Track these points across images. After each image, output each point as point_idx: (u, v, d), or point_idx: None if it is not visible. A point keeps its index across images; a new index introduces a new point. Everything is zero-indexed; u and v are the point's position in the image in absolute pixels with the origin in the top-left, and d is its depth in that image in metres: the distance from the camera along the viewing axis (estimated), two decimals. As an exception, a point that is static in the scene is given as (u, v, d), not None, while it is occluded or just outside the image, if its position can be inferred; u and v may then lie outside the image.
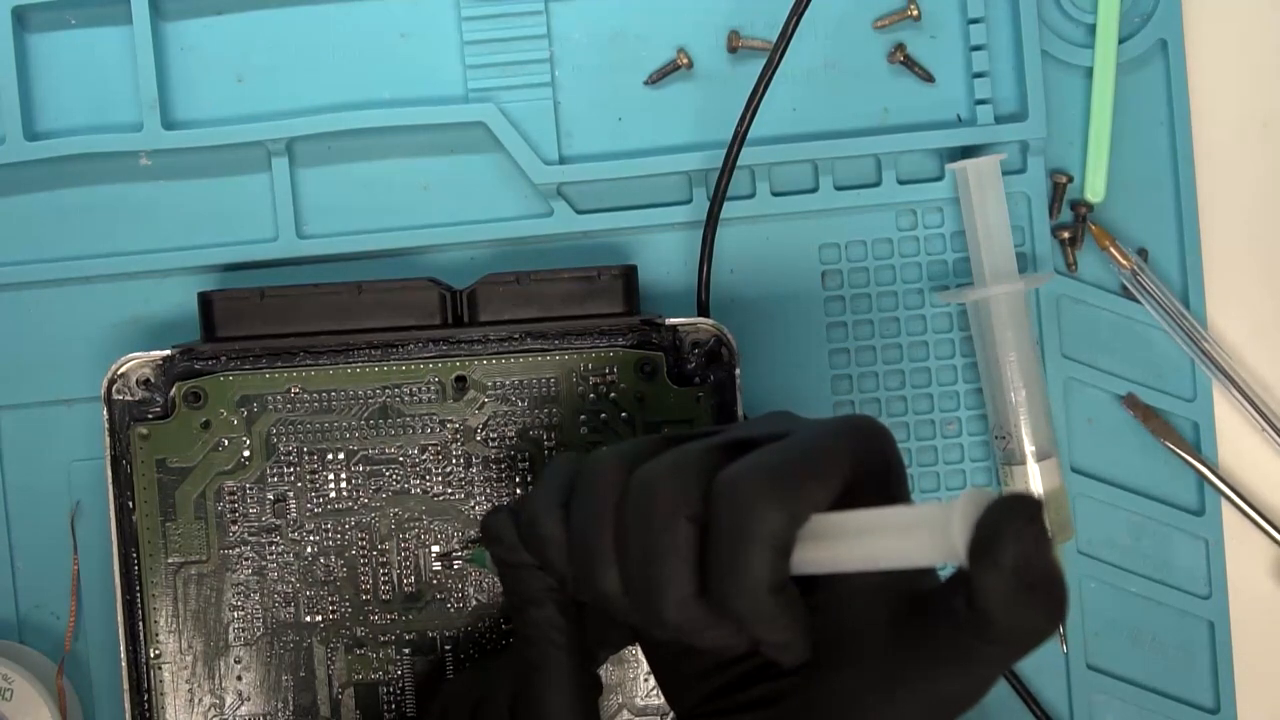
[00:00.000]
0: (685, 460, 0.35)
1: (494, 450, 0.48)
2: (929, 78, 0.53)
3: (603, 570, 0.36)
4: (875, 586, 0.34)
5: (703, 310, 0.51)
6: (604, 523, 0.36)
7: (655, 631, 0.35)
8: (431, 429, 0.48)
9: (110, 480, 0.47)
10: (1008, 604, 0.30)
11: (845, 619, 0.35)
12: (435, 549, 0.48)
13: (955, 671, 0.32)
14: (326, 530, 0.48)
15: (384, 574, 0.48)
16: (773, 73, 0.50)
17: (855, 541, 0.32)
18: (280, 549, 0.48)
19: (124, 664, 0.47)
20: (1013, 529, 0.30)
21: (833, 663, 0.35)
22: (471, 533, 0.48)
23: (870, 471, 0.34)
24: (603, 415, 0.48)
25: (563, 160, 0.52)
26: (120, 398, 0.47)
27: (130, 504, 0.47)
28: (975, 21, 0.52)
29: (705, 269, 0.51)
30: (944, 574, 0.33)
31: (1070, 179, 0.53)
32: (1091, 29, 0.52)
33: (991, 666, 0.32)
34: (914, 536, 0.31)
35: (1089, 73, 0.53)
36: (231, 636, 0.48)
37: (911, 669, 0.33)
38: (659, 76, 0.53)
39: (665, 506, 0.34)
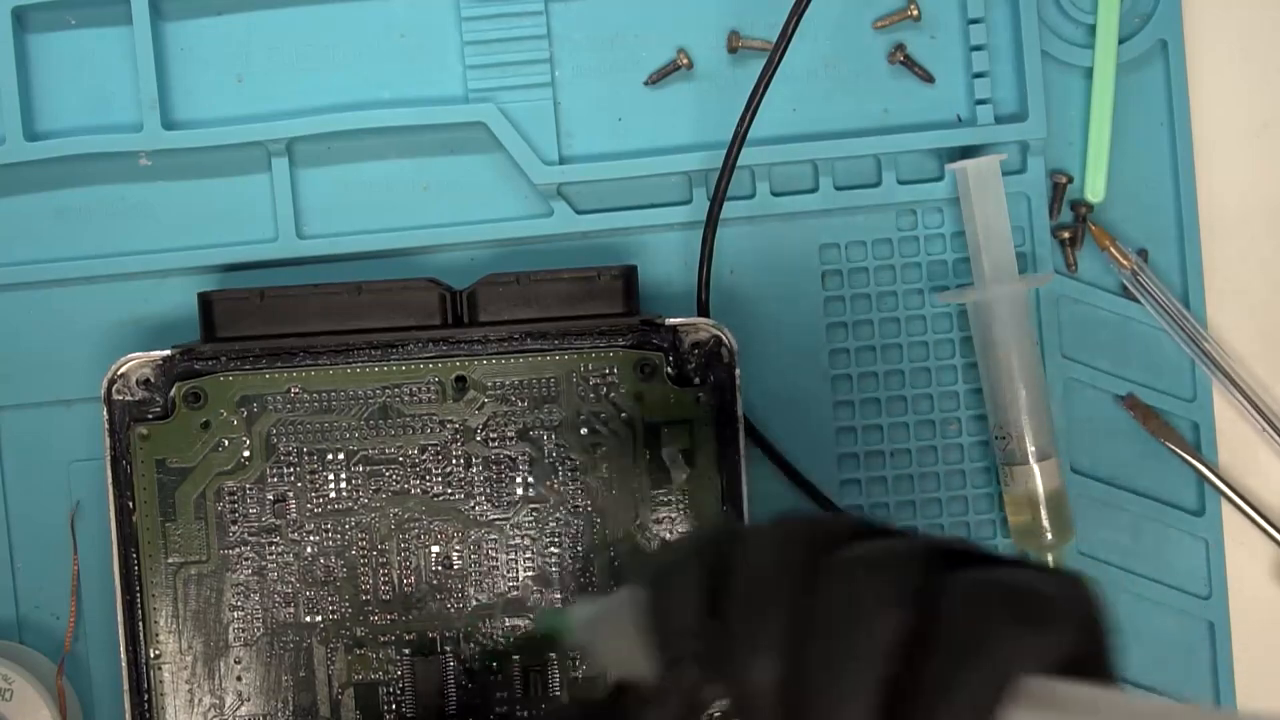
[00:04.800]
0: (906, 553, 0.30)
1: (494, 450, 0.48)
2: (929, 78, 0.53)
3: (761, 659, 0.30)
4: None
5: (703, 310, 0.51)
6: (779, 604, 0.30)
7: None
8: (431, 429, 0.48)
9: (110, 480, 0.47)
10: None
11: None
12: (435, 549, 0.48)
13: None
14: (326, 530, 0.48)
15: (384, 574, 0.48)
16: (773, 73, 0.50)
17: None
18: (280, 549, 0.48)
19: (124, 664, 0.47)
20: None
21: None
22: (471, 534, 0.48)
23: (1093, 643, 0.30)
24: (603, 416, 0.48)
25: (563, 160, 0.52)
26: (120, 398, 0.47)
27: (130, 504, 0.47)
28: (975, 22, 0.52)
29: (705, 269, 0.51)
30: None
31: (1070, 179, 0.53)
32: (1091, 29, 0.52)
33: None
34: None
35: (1089, 73, 0.53)
36: (231, 637, 0.48)
37: None
38: (659, 76, 0.53)
39: (874, 602, 0.29)
